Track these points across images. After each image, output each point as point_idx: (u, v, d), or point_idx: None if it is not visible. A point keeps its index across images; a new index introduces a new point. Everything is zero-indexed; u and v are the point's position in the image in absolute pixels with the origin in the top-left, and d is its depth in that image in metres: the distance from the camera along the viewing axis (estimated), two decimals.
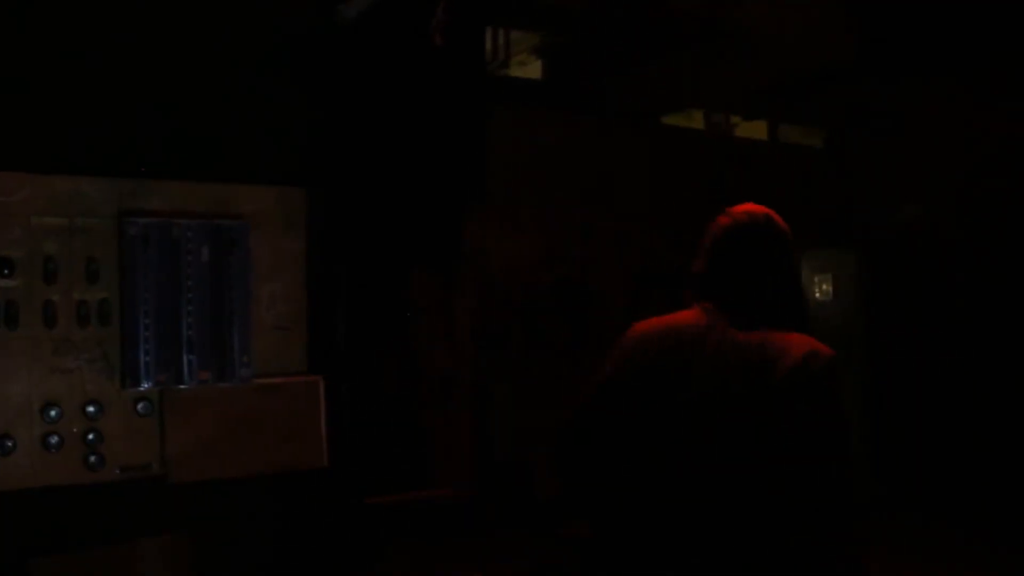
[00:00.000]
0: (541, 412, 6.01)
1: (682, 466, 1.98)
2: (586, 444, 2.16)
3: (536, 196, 6.03)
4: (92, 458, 2.49)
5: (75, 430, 2.47)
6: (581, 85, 6.34)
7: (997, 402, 6.21)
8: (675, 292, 7.53)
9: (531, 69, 6.47)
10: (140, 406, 2.55)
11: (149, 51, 2.65)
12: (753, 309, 2.08)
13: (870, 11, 5.40)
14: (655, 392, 2.05)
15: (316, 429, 2.81)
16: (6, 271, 2.39)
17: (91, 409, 2.49)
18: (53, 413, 2.44)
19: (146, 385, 2.52)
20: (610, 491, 2.14)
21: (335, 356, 2.94)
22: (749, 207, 2.20)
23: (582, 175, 6.29)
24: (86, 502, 2.51)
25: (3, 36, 2.45)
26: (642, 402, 2.07)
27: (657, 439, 2.03)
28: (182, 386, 2.58)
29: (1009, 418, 6.15)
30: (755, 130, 7.70)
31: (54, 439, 2.43)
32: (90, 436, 2.49)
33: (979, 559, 4.94)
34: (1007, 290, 6.55)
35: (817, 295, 6.89)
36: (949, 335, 6.50)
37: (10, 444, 2.39)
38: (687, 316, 2.16)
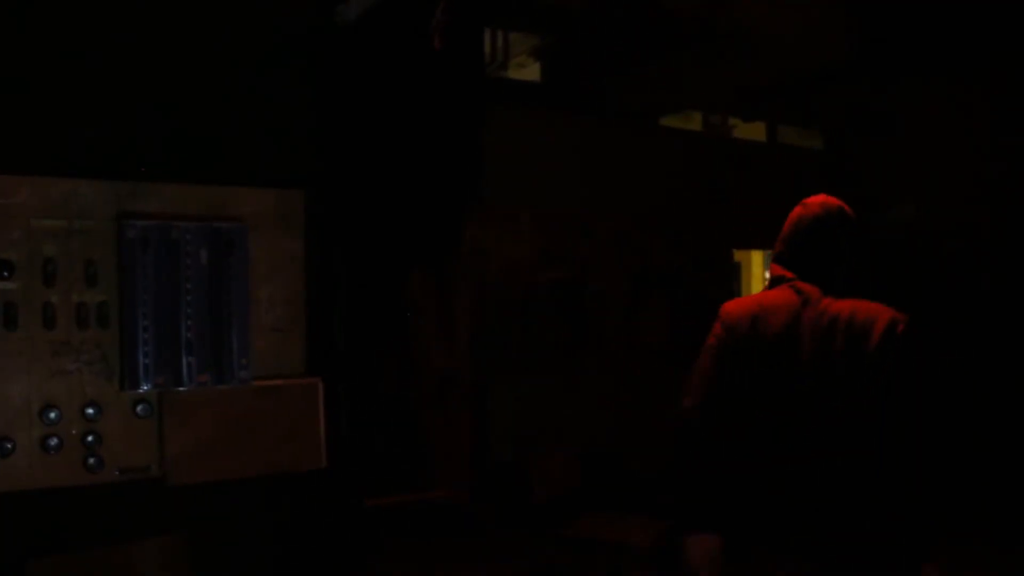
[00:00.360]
0: (540, 412, 6.01)
1: (801, 424, 2.27)
2: (709, 429, 2.39)
3: (536, 196, 6.04)
4: (91, 460, 2.48)
5: (74, 432, 2.47)
6: (580, 86, 6.34)
7: (997, 402, 6.22)
8: (675, 292, 7.50)
9: (530, 71, 6.47)
10: (139, 408, 2.55)
11: (149, 51, 2.64)
12: (828, 284, 2.40)
13: (870, 11, 5.40)
14: (764, 364, 2.34)
15: (315, 430, 2.81)
16: (5, 273, 2.38)
17: (90, 411, 2.48)
18: (52, 415, 2.43)
19: (145, 387, 2.52)
20: (730, 464, 2.38)
21: (334, 357, 2.94)
22: (823, 199, 2.51)
23: (582, 175, 6.30)
24: (85, 504, 2.51)
25: (3, 36, 2.44)
26: (753, 374, 2.35)
27: (771, 405, 2.32)
28: (181, 388, 2.57)
29: (1010, 418, 6.15)
30: (754, 131, 7.70)
31: (53, 441, 2.43)
32: (89, 438, 2.48)
33: (979, 559, 4.94)
34: (1007, 289, 6.56)
35: None
36: (949, 335, 6.50)
37: (9, 446, 2.39)
38: (778, 294, 2.44)
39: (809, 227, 2.45)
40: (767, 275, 9.37)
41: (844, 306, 2.34)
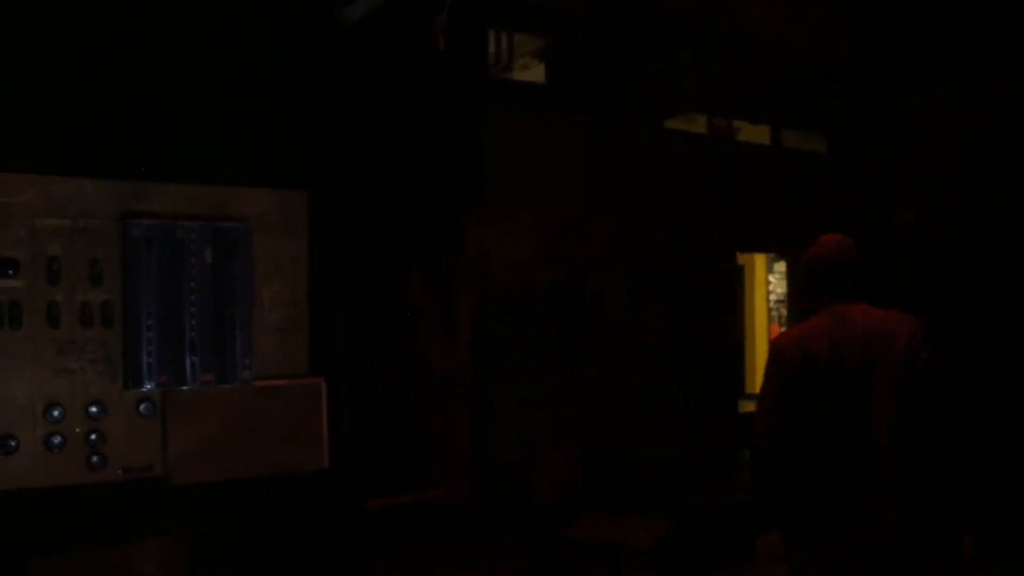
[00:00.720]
0: (540, 412, 6.01)
1: (853, 429, 2.67)
2: (779, 452, 2.76)
3: (536, 196, 6.03)
4: (94, 459, 2.49)
5: (78, 431, 2.48)
6: (582, 86, 6.34)
7: (997, 402, 6.22)
8: (675, 292, 7.44)
9: (534, 72, 6.46)
10: (142, 407, 2.55)
11: (149, 51, 2.65)
12: (851, 300, 2.83)
13: (870, 12, 5.41)
14: (817, 384, 2.73)
15: (317, 431, 2.81)
16: (10, 271, 2.39)
17: (94, 410, 2.49)
18: (56, 413, 2.44)
19: (148, 386, 2.52)
20: (798, 475, 2.75)
21: (336, 358, 2.94)
22: (827, 238, 2.96)
23: (582, 175, 6.29)
24: (88, 502, 2.51)
25: (3, 36, 2.45)
26: (811, 395, 2.73)
27: (828, 416, 2.70)
28: (184, 387, 2.58)
29: (1010, 418, 6.16)
30: (759, 134, 7.70)
31: (57, 439, 2.44)
32: (92, 437, 2.49)
33: (979, 559, 4.94)
34: (1007, 289, 6.56)
35: None
36: (948, 335, 6.50)
37: (13, 444, 2.39)
38: (816, 322, 2.84)
39: (828, 262, 2.89)
40: (771, 279, 9.36)
41: (872, 318, 2.75)
